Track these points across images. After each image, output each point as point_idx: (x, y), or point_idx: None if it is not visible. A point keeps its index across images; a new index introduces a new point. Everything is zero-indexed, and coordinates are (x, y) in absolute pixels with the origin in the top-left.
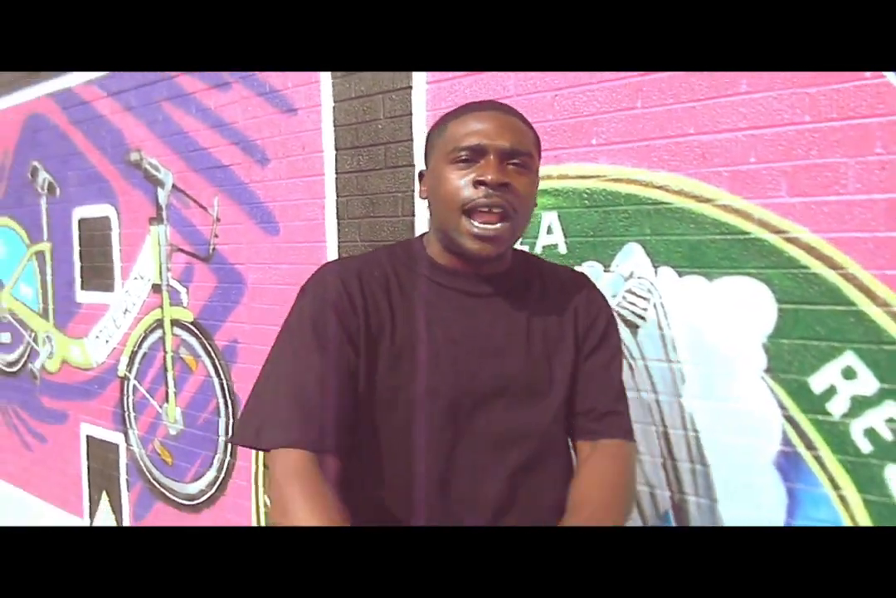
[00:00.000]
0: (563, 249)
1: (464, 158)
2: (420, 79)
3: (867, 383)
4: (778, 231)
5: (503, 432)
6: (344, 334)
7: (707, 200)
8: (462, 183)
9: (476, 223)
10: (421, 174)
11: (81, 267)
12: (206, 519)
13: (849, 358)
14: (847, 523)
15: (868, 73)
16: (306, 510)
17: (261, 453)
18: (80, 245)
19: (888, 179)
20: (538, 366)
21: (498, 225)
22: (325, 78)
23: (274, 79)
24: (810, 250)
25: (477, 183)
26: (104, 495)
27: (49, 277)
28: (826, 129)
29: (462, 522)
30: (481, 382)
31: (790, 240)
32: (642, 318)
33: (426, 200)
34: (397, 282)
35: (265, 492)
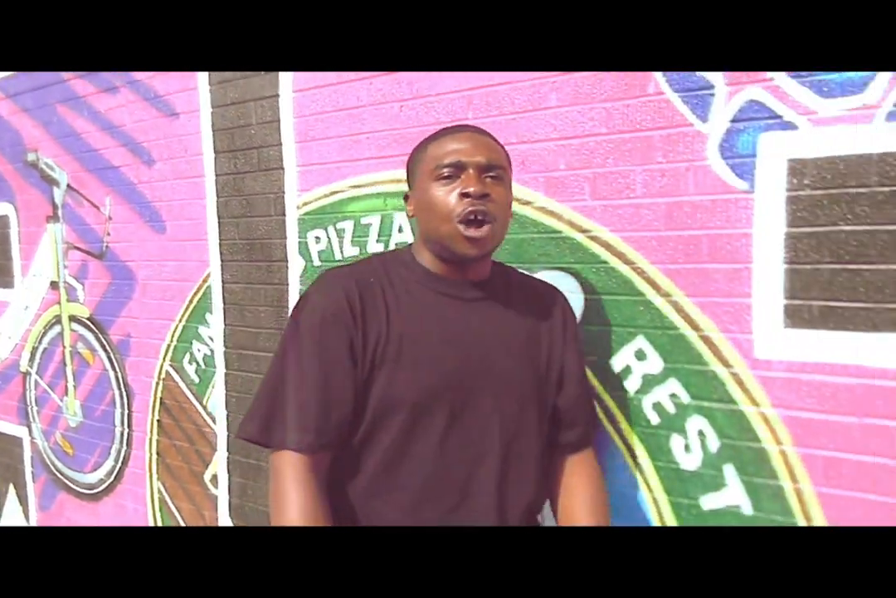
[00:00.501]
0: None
1: (446, 174)
2: (286, 87)
3: (654, 364)
4: (583, 230)
5: (496, 426)
6: (344, 342)
7: (527, 203)
8: (449, 196)
9: (467, 229)
10: (406, 196)
11: None
12: (106, 507)
13: (640, 342)
14: (643, 490)
15: (651, 89)
16: (297, 507)
17: (153, 443)
18: None
19: (668, 185)
20: (525, 366)
21: (484, 228)
22: (203, 84)
23: (158, 84)
24: (608, 247)
25: (462, 195)
26: (11, 487)
27: None
28: (618, 140)
29: (457, 511)
30: (475, 380)
31: (593, 238)
32: None
33: (414, 218)
34: (392, 289)
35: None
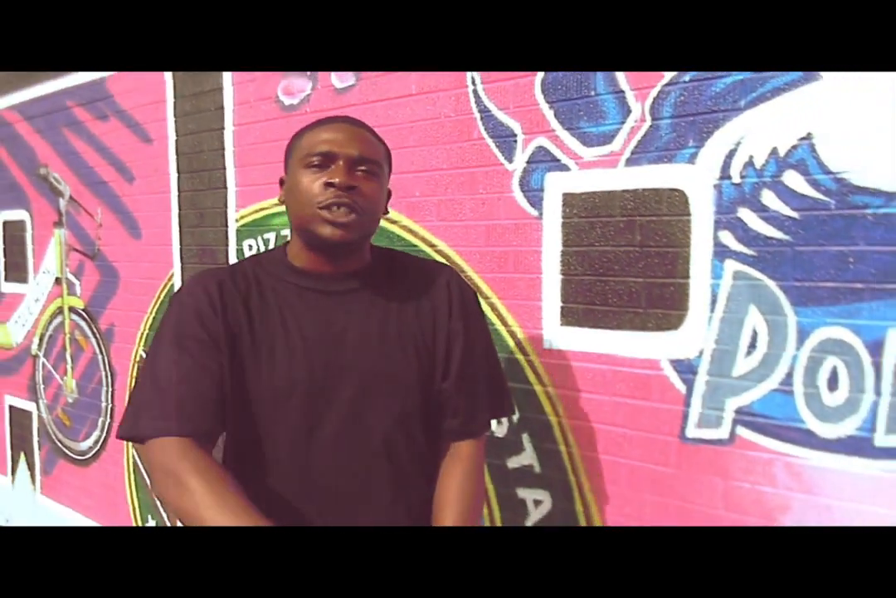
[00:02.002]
0: None
1: (316, 163)
2: (230, 121)
3: None
4: (431, 245)
5: (361, 420)
6: (204, 332)
7: (394, 222)
8: (314, 185)
9: (323, 213)
10: (281, 181)
11: (4, 262)
12: (93, 471)
13: None
14: None
15: (475, 134)
16: (202, 484)
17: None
18: (3, 244)
19: (486, 211)
20: (401, 356)
21: (343, 211)
22: (170, 115)
23: (137, 113)
24: (448, 258)
25: (327, 184)
26: (22, 455)
27: None
28: (455, 174)
29: (322, 513)
30: (335, 374)
31: (438, 251)
32: None
33: (282, 203)
34: (258, 287)
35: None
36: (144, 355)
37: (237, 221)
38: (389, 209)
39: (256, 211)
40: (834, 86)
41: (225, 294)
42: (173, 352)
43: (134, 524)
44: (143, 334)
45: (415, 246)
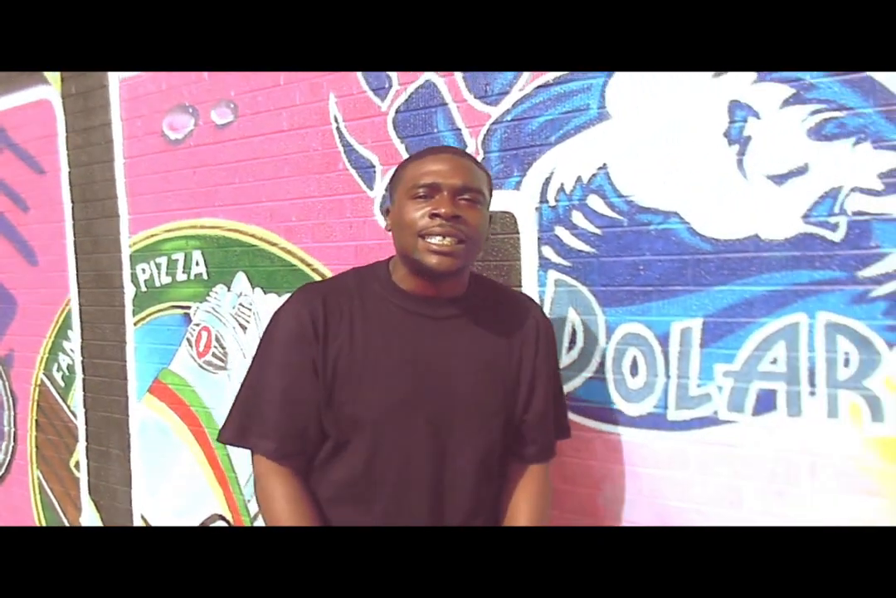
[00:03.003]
0: (205, 276)
1: (421, 193)
2: (119, 154)
3: None
4: (308, 264)
5: (455, 445)
6: (307, 358)
7: (274, 244)
8: (419, 215)
9: (432, 241)
10: (386, 210)
11: None
12: (1, 494)
13: None
14: None
15: (340, 165)
16: (283, 502)
17: (33, 438)
18: None
19: (354, 233)
20: (490, 386)
21: (449, 240)
22: (62, 148)
23: (31, 146)
24: (322, 276)
25: (432, 215)
26: None
27: None
28: (326, 201)
29: (401, 515)
30: (433, 400)
31: (314, 270)
32: (248, 321)
33: (391, 231)
34: (361, 306)
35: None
36: (253, 365)
37: (130, 246)
38: (284, 241)
39: (148, 237)
40: (623, 124)
41: (329, 315)
42: (280, 375)
43: None
44: (42, 358)
45: (294, 265)
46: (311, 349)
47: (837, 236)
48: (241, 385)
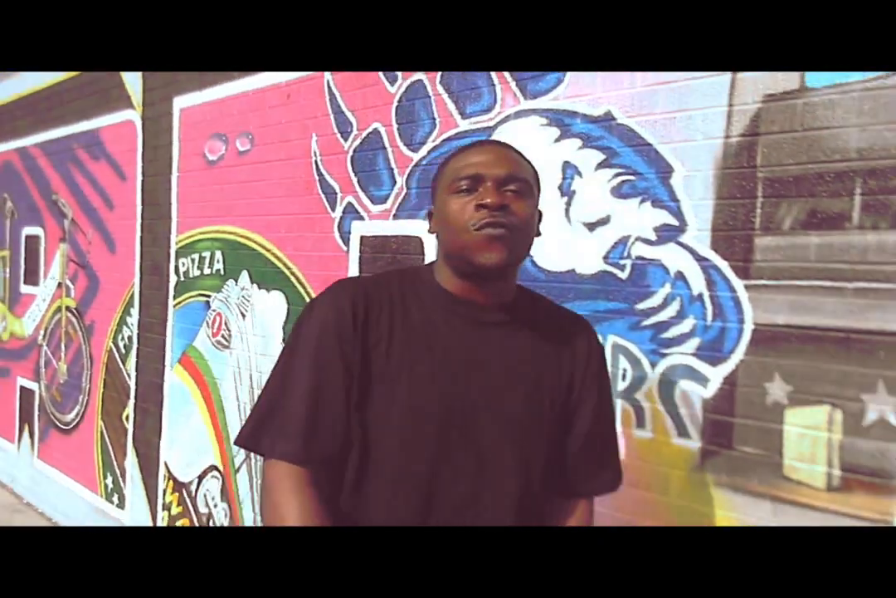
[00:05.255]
0: (222, 272)
1: (464, 187)
2: (175, 169)
3: None
4: (288, 268)
5: (485, 461)
6: (343, 354)
7: (268, 250)
8: (465, 209)
9: (481, 233)
10: (429, 213)
11: (24, 269)
12: (72, 438)
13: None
14: None
15: (315, 191)
16: (295, 514)
17: (101, 394)
18: (24, 253)
19: (320, 246)
20: (532, 399)
21: (501, 230)
22: (139, 161)
23: (119, 157)
24: (298, 280)
25: (479, 207)
26: (26, 426)
27: (7, 275)
28: (303, 218)
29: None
30: (471, 409)
31: (293, 273)
32: (246, 310)
33: (435, 234)
34: (403, 305)
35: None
36: (279, 362)
37: (176, 244)
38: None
39: (188, 237)
40: None
41: (370, 309)
42: (310, 371)
43: (97, 479)
44: (112, 329)
45: (279, 269)
46: (348, 343)
47: (624, 275)
48: (265, 385)
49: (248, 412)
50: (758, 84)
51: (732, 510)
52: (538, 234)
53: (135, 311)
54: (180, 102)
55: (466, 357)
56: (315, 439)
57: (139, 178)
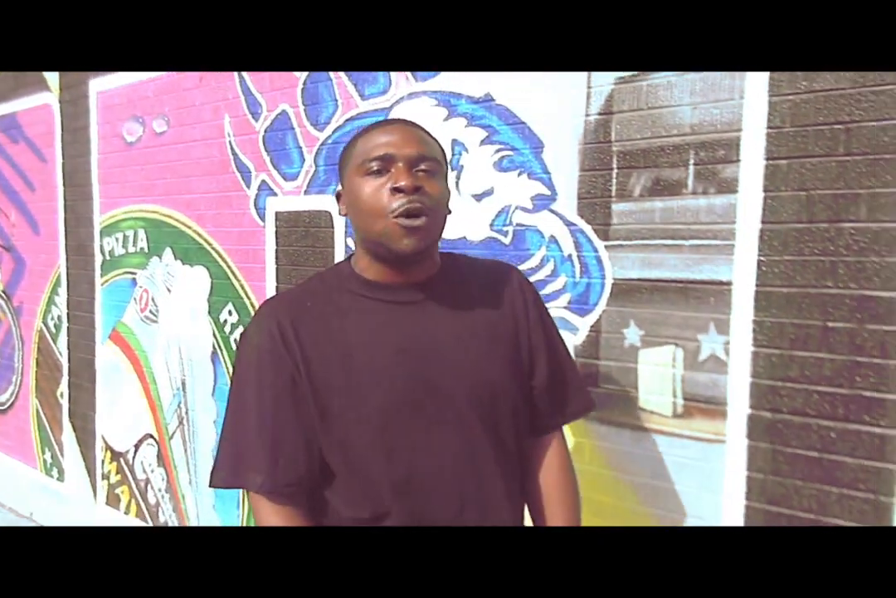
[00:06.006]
0: (146, 249)
1: (375, 168)
2: (94, 151)
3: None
4: (209, 243)
5: (456, 428)
6: (284, 378)
7: (189, 227)
8: (380, 193)
9: (401, 221)
10: (338, 194)
11: None
12: (8, 417)
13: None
14: None
15: (230, 169)
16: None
17: (34, 373)
18: None
19: (238, 222)
20: (488, 361)
21: (422, 218)
22: (58, 144)
23: (38, 140)
24: (219, 254)
25: (393, 190)
26: None
27: None
28: (221, 196)
29: (426, 518)
30: (433, 386)
31: (214, 249)
32: (171, 286)
33: (346, 217)
34: (332, 305)
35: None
36: (230, 396)
37: (100, 224)
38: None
39: (111, 217)
40: None
41: (299, 325)
42: (258, 398)
43: (35, 455)
44: (41, 309)
45: (201, 245)
46: (287, 366)
47: (507, 240)
48: (224, 420)
49: (216, 453)
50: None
51: (600, 438)
52: (449, 212)
53: (63, 290)
54: (96, 85)
55: (411, 341)
56: (279, 467)
57: (59, 160)
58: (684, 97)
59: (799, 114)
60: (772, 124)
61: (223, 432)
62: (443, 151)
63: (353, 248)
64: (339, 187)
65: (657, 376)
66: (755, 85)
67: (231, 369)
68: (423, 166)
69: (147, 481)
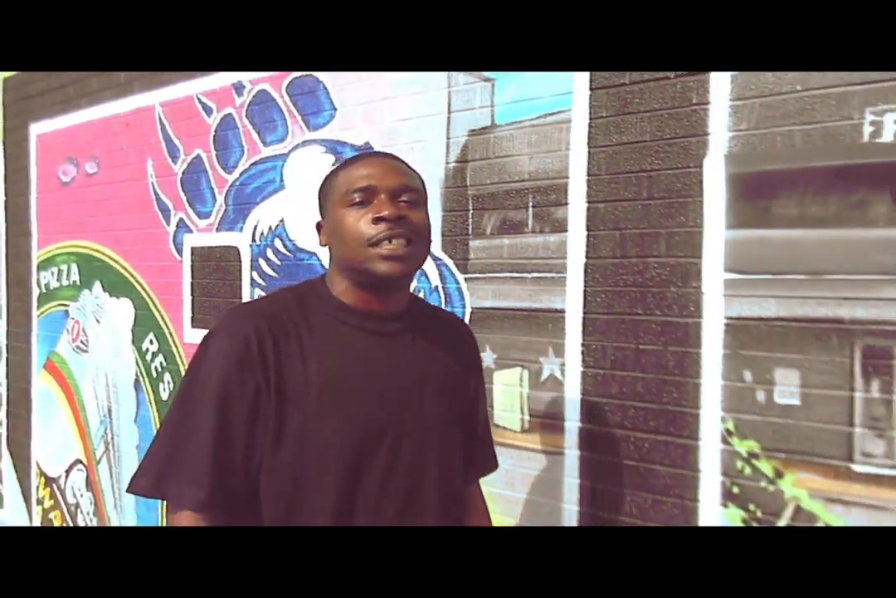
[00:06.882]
0: (78, 283)
1: (358, 199)
2: (34, 190)
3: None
4: (134, 277)
5: (406, 465)
6: (248, 392)
7: (116, 261)
8: (361, 222)
9: (382, 248)
10: (318, 225)
11: None
12: None
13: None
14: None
15: (153, 208)
16: None
17: None
18: None
19: (158, 257)
20: (446, 402)
21: (401, 242)
22: (2, 183)
23: None
24: (143, 287)
25: (376, 220)
26: None
27: None
28: (144, 233)
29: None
30: (403, 421)
31: (138, 282)
32: (101, 317)
33: (326, 247)
34: (308, 325)
35: None
36: (178, 402)
37: (37, 258)
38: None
39: (48, 252)
40: (293, 193)
41: (277, 337)
42: (214, 411)
43: None
44: None
45: (126, 279)
46: (256, 379)
47: None
48: (161, 428)
49: (142, 459)
50: (465, 121)
51: None
52: (430, 241)
53: (2, 322)
54: (36, 129)
55: (382, 371)
56: (221, 486)
57: (2, 198)
58: (523, 148)
59: (612, 163)
60: (591, 172)
61: (159, 436)
62: (423, 182)
63: (259, 282)
64: (320, 219)
65: (508, 395)
66: (577, 137)
67: (177, 380)
68: (405, 197)
69: (77, 505)
